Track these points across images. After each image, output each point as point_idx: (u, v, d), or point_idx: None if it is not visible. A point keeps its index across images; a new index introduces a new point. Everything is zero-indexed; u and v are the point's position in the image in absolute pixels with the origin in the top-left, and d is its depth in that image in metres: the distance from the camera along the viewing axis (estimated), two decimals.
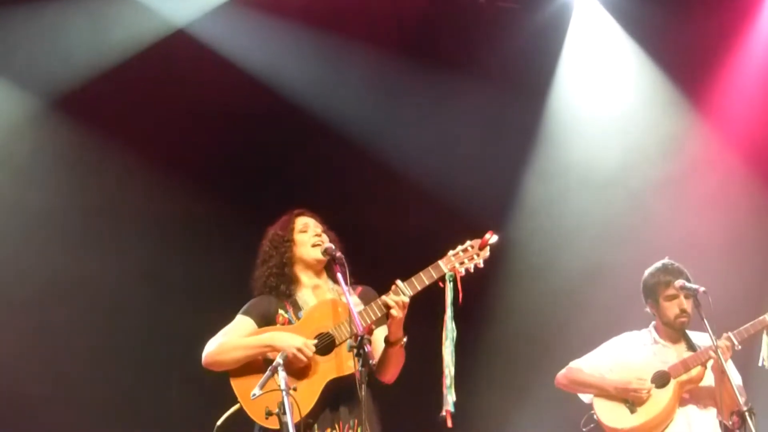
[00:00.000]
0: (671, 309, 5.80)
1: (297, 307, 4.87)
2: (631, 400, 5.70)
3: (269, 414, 4.31)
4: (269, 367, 4.40)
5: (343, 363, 4.64)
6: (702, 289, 5.43)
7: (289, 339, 4.68)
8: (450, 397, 4.55)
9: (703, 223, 7.74)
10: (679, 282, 5.60)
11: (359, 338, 4.40)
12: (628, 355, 5.84)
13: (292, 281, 4.94)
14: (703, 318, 5.33)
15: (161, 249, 7.35)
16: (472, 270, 4.72)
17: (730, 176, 7.89)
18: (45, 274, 7.06)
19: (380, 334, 4.79)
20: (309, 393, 4.61)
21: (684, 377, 5.68)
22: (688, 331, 5.86)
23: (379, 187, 7.63)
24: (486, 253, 4.75)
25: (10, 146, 7.13)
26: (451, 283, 4.67)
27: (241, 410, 4.67)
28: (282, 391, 4.29)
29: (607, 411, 5.74)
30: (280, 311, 4.87)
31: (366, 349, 4.38)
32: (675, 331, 5.84)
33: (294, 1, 7.42)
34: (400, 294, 4.65)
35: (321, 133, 7.62)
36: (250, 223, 7.27)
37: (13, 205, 7.09)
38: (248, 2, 7.35)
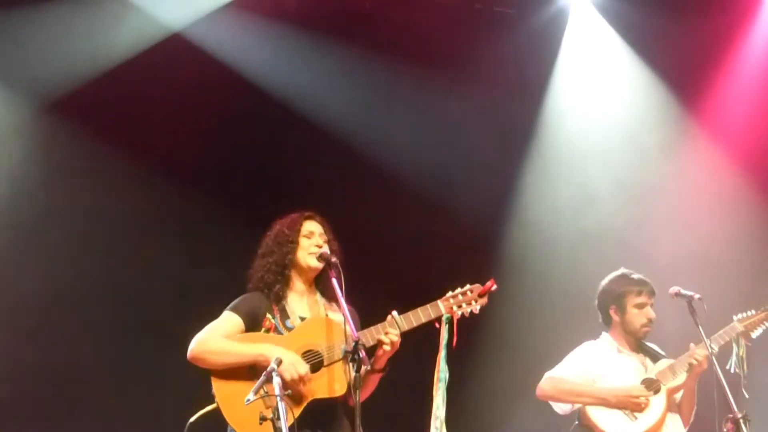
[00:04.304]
0: (638, 318, 5.85)
1: (284, 315, 4.85)
2: (630, 408, 5.69)
3: (263, 419, 4.30)
4: (264, 372, 4.40)
5: (330, 384, 4.65)
6: (697, 296, 5.44)
7: (285, 356, 4.63)
8: None
9: (699, 230, 7.74)
10: (674, 289, 5.61)
11: (354, 344, 4.40)
12: (597, 365, 5.84)
13: (287, 283, 4.92)
14: (698, 325, 5.34)
15: (157, 251, 7.34)
16: (467, 315, 4.73)
17: (726, 182, 7.90)
18: (40, 275, 7.06)
19: None
20: (291, 409, 4.55)
21: (673, 384, 5.71)
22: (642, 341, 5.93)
23: (375, 190, 7.62)
24: (484, 300, 4.77)
25: (4, 149, 7.12)
26: (447, 325, 4.68)
27: (216, 410, 4.67)
28: (276, 396, 4.28)
29: (607, 420, 5.70)
30: (268, 315, 4.84)
31: (361, 355, 4.38)
32: (635, 340, 5.89)
33: (289, 5, 7.43)
34: (395, 328, 4.67)
35: (317, 137, 7.62)
36: (243, 225, 7.31)
37: (7, 207, 7.07)
38: (244, 6, 7.35)
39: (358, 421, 4.37)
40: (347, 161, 7.61)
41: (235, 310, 4.86)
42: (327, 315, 4.86)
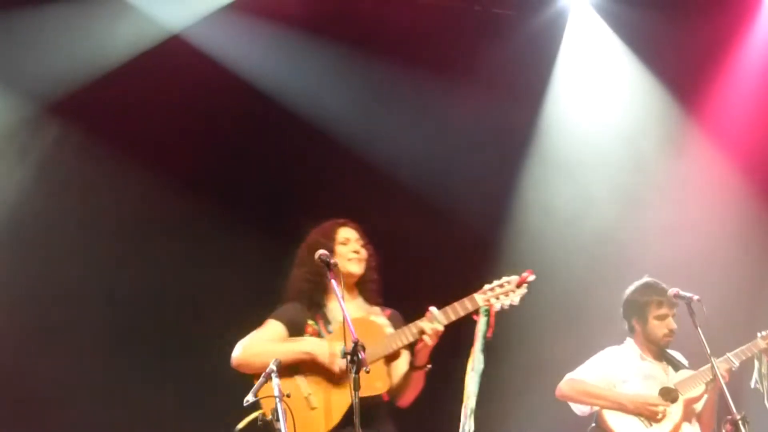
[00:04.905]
0: (660, 329, 5.91)
1: (326, 320, 4.89)
2: (646, 415, 5.74)
3: (262, 421, 4.31)
4: (263, 374, 4.43)
5: (371, 382, 4.67)
6: (696, 297, 5.45)
7: (326, 348, 4.68)
8: (469, 426, 4.61)
9: (699, 232, 7.75)
10: (673, 290, 5.62)
11: (354, 345, 4.39)
12: (620, 370, 5.89)
13: (325, 291, 4.94)
14: (697, 326, 5.35)
15: (156, 253, 7.35)
16: (507, 307, 4.75)
17: (726, 184, 7.90)
18: (39, 277, 7.07)
19: (401, 361, 4.86)
20: (337, 408, 4.66)
21: (691, 394, 5.77)
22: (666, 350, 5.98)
23: (373, 192, 7.61)
24: (523, 290, 4.79)
25: (2, 150, 7.12)
26: (486, 317, 4.70)
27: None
28: (275, 397, 4.29)
29: (622, 425, 5.75)
30: (310, 322, 4.89)
31: (360, 356, 4.38)
32: (658, 349, 5.95)
33: (289, 7, 7.43)
34: (435, 322, 4.68)
35: (316, 139, 7.62)
36: (243, 226, 7.34)
37: (6, 208, 7.08)
38: (243, 8, 7.35)
39: (356, 420, 4.35)
40: (346, 163, 7.61)
41: (277, 317, 4.91)
42: (370, 317, 4.90)
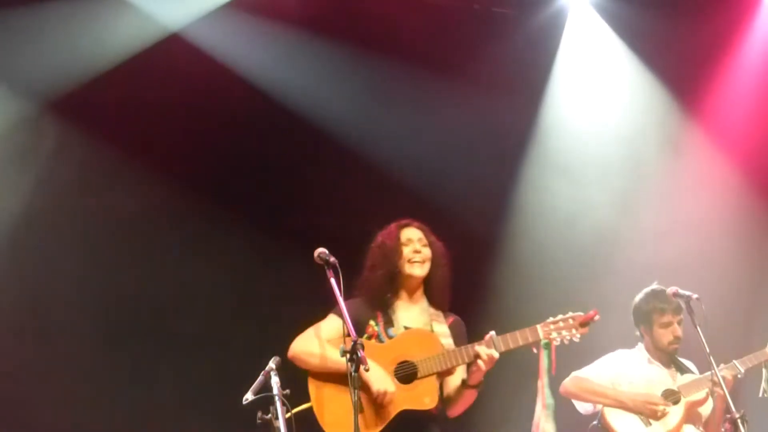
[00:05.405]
0: (665, 336, 5.95)
1: (389, 322, 4.91)
2: (646, 414, 5.78)
3: (260, 419, 4.32)
4: (262, 372, 4.47)
5: (420, 397, 4.72)
6: (695, 296, 5.47)
7: (375, 371, 4.67)
8: None
9: (699, 232, 7.74)
10: (672, 289, 5.63)
11: (353, 343, 4.40)
12: (626, 372, 5.94)
13: (395, 293, 4.99)
14: (696, 325, 5.36)
15: (155, 252, 7.35)
16: (567, 341, 4.79)
17: (726, 184, 7.90)
18: (42, 277, 7.08)
19: (455, 375, 4.90)
20: (380, 417, 4.68)
21: (693, 398, 5.79)
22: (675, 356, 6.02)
23: (371, 192, 7.61)
24: (585, 330, 4.84)
25: (3, 150, 7.13)
26: (547, 351, 4.75)
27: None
28: (275, 396, 4.30)
29: (622, 422, 5.81)
30: (371, 322, 4.91)
31: (359, 354, 4.38)
32: (666, 355, 5.99)
33: (288, 5, 7.43)
34: (492, 348, 4.72)
35: (316, 138, 7.62)
36: (240, 225, 7.34)
37: (6, 207, 7.09)
38: (242, 7, 7.36)
39: (355, 420, 4.35)
40: (345, 163, 7.60)
41: (339, 314, 4.86)
42: (432, 326, 4.92)
